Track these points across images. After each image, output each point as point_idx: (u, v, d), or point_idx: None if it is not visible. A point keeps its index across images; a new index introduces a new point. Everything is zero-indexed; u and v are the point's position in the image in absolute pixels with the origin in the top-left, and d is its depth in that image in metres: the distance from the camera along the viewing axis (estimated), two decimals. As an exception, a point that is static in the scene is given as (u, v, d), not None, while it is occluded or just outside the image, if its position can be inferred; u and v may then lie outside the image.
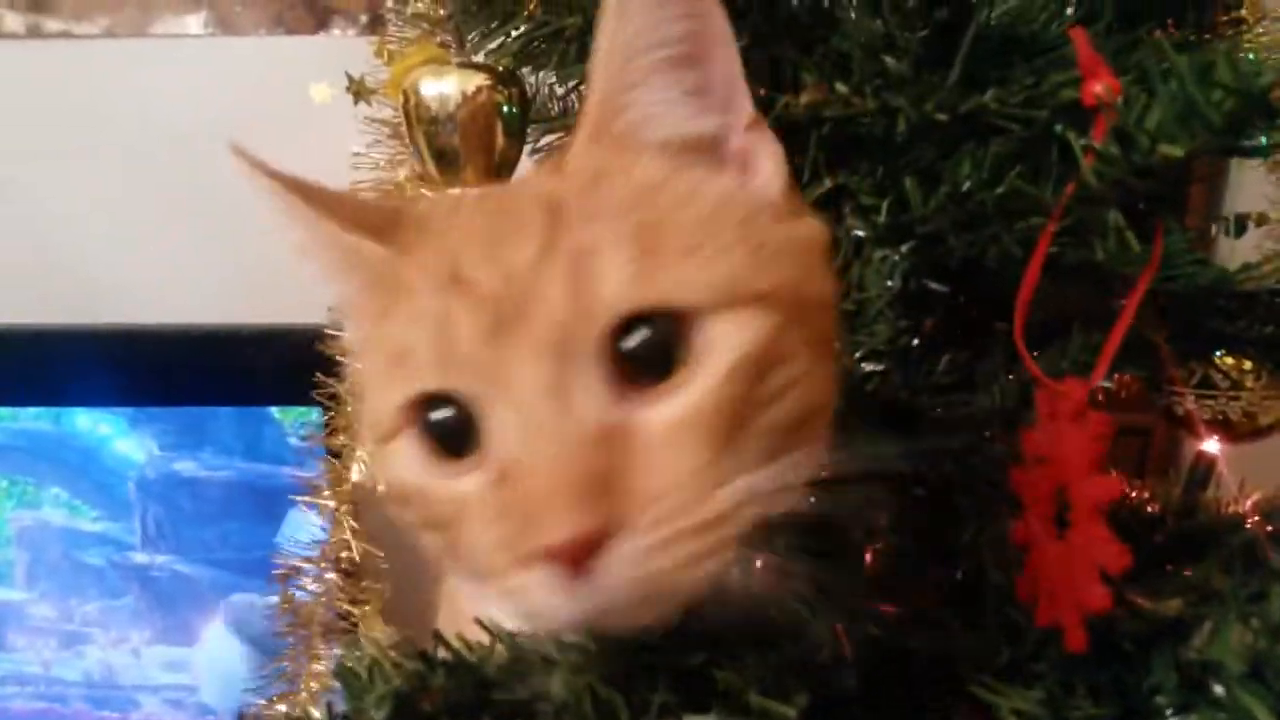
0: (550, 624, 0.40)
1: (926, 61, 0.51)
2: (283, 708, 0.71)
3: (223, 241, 1.70)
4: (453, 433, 0.42)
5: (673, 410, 0.40)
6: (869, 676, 0.44)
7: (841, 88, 0.49)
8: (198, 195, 1.71)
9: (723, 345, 0.40)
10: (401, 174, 0.63)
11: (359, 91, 0.65)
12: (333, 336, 0.87)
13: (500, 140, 0.52)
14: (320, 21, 1.74)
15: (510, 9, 0.50)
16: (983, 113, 0.47)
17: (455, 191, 0.54)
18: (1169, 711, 0.42)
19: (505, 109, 0.51)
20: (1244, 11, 0.65)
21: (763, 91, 0.53)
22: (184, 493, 1.50)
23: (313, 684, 0.64)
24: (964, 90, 0.48)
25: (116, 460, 1.49)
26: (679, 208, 0.43)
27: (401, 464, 0.44)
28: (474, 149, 0.51)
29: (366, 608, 0.62)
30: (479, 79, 0.52)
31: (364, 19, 1.73)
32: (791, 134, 0.58)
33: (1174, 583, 0.44)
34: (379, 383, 0.44)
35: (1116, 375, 0.63)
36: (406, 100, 0.52)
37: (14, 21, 1.70)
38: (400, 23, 0.64)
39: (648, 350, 0.40)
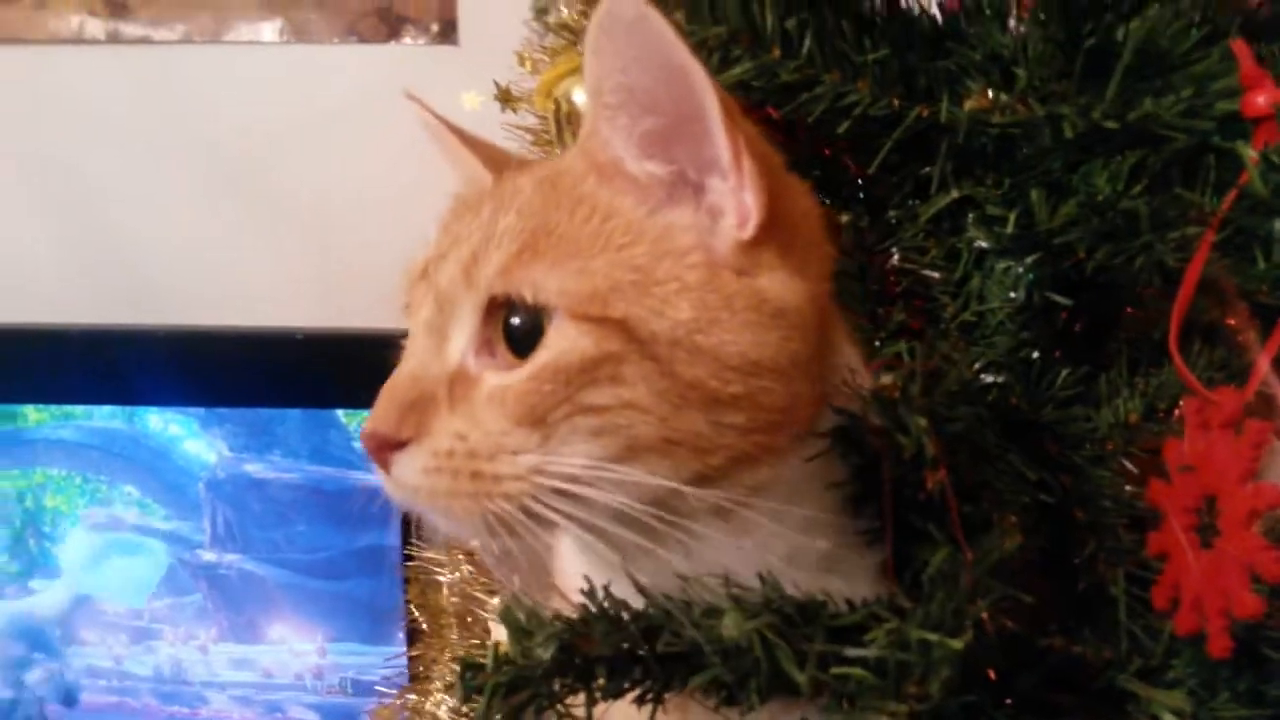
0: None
1: (1062, 74, 0.53)
2: (413, 697, 0.73)
3: (294, 245, 1.76)
4: None
5: (497, 381, 0.48)
6: (1002, 672, 0.46)
7: (1005, 96, 0.51)
8: (271, 199, 1.77)
9: (551, 346, 0.47)
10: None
11: (505, 99, 0.67)
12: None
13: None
14: (392, 30, 1.79)
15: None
16: (1149, 121, 0.48)
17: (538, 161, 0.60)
18: None
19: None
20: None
21: (896, 102, 0.55)
22: (253, 494, 1.54)
23: (448, 676, 0.66)
24: (1126, 100, 0.50)
25: (187, 460, 1.53)
26: (584, 223, 0.49)
27: None
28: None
29: (496, 599, 0.65)
30: None
31: (435, 28, 1.78)
32: (920, 144, 0.60)
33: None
34: None
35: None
36: (558, 108, 0.55)
37: (94, 27, 1.75)
38: (541, 33, 0.67)
39: (520, 332, 0.48)
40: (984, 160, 0.60)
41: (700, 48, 0.54)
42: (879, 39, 0.55)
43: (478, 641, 0.66)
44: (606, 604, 0.41)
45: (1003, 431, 0.58)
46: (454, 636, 0.70)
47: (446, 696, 0.68)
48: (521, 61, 0.69)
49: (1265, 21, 0.66)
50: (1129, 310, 0.62)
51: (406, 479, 0.48)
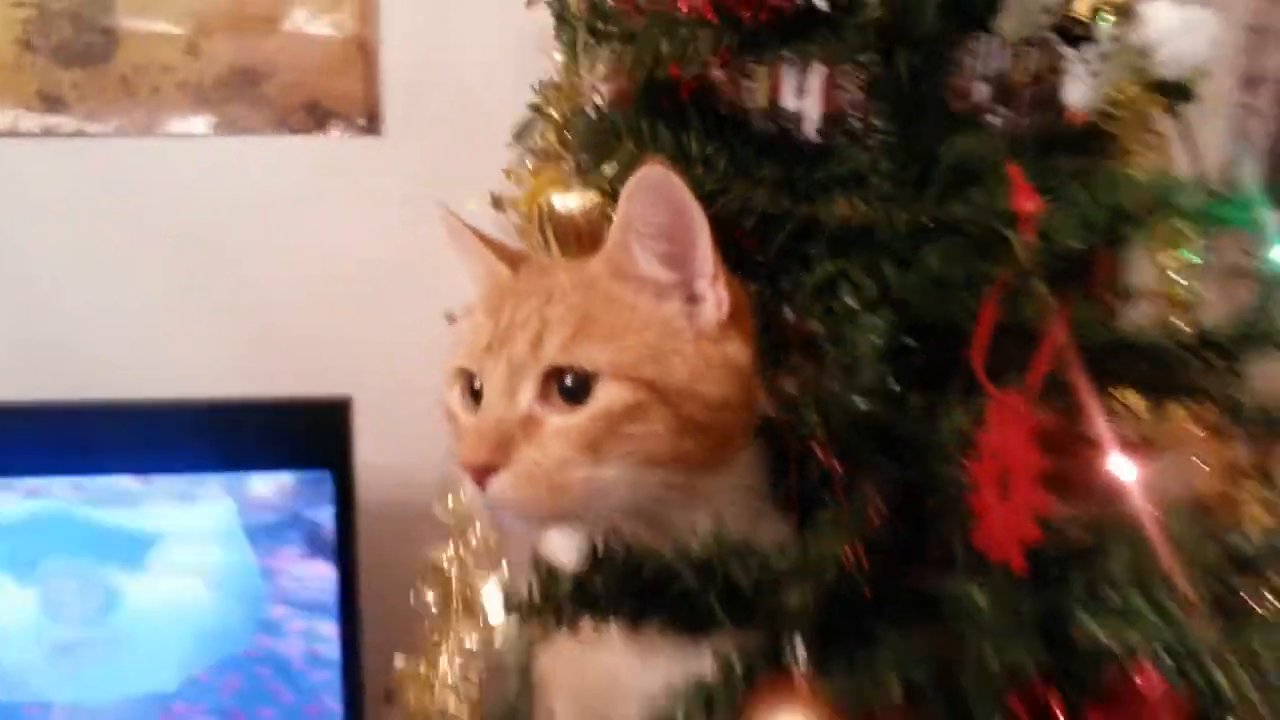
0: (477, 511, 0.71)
1: (913, 181, 0.77)
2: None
3: (223, 323, 1.90)
4: (477, 393, 0.73)
5: (560, 422, 0.69)
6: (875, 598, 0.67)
7: (861, 205, 0.75)
8: (203, 281, 1.90)
9: (602, 398, 0.68)
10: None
11: (498, 204, 0.88)
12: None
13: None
14: (319, 123, 1.94)
15: (613, 146, 0.76)
16: (954, 221, 0.73)
17: (564, 260, 0.82)
18: (1083, 615, 0.66)
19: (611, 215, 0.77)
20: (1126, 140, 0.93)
21: (785, 204, 0.79)
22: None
23: (457, 657, 0.84)
24: (940, 204, 0.74)
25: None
26: (620, 313, 0.71)
27: (451, 399, 0.76)
28: (589, 243, 0.76)
29: (488, 586, 0.84)
30: (595, 195, 0.78)
31: (360, 120, 1.93)
32: (805, 231, 0.83)
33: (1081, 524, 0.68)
34: (455, 349, 0.76)
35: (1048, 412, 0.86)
36: (541, 211, 0.77)
37: (30, 122, 1.86)
38: (526, 152, 0.89)
39: (572, 387, 0.69)
40: (851, 243, 0.83)
41: (642, 167, 0.76)
42: (773, 158, 0.78)
43: (476, 619, 0.86)
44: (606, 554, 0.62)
45: (873, 442, 0.80)
46: (461, 620, 0.88)
47: (456, 659, 0.87)
48: (509, 175, 0.90)
49: (1065, 136, 0.93)
50: (962, 349, 0.85)
51: (500, 493, 0.68)
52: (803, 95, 1.32)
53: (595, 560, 0.62)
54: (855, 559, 0.62)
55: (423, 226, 2.00)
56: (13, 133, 1.85)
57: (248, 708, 1.63)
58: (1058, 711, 0.63)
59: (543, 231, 0.76)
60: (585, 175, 0.81)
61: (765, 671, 0.66)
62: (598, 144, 0.79)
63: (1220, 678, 0.60)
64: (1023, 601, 0.65)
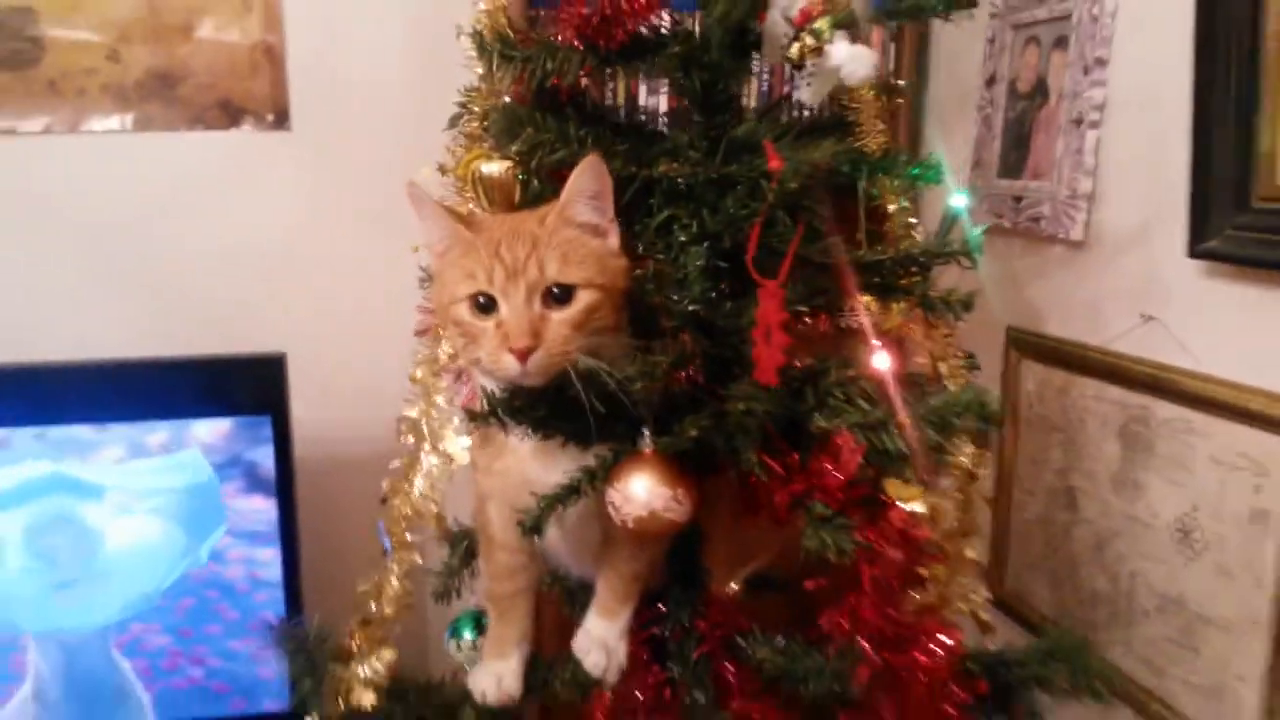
0: (511, 379, 1.11)
1: (709, 152, 1.25)
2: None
3: (146, 298, 2.25)
4: (483, 306, 1.13)
5: (561, 317, 1.11)
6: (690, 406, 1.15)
7: (676, 164, 1.22)
8: (124, 263, 2.24)
9: (582, 299, 1.12)
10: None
11: (443, 171, 1.32)
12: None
13: (517, 194, 1.23)
14: (232, 120, 2.29)
15: (518, 131, 1.22)
16: (732, 176, 1.21)
17: (496, 216, 1.25)
18: (818, 415, 1.14)
19: (520, 178, 1.23)
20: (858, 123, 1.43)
21: (633, 169, 1.25)
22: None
23: (420, 476, 1.29)
24: (725, 165, 1.22)
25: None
26: (578, 248, 1.15)
27: (461, 312, 1.14)
28: (506, 198, 1.22)
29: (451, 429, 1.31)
30: (508, 164, 1.23)
31: (270, 117, 2.30)
32: (647, 189, 1.29)
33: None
34: (455, 282, 1.14)
35: (812, 312, 1.34)
36: (473, 175, 1.21)
37: (-38, 122, 2.14)
38: (459, 135, 1.35)
39: (560, 296, 1.12)
40: (678, 195, 1.29)
41: (539, 146, 1.22)
42: (624, 138, 1.25)
43: (440, 459, 1.31)
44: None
45: (697, 329, 1.27)
46: (427, 452, 1.33)
47: (420, 482, 1.31)
48: (449, 152, 1.35)
49: (821, 124, 1.41)
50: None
51: (537, 363, 1.09)
52: (653, 94, 1.82)
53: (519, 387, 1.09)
54: (679, 379, 1.10)
55: (328, 211, 2.40)
56: (-54, 134, 2.13)
57: (196, 625, 2.00)
58: (794, 458, 1.11)
59: (474, 189, 1.21)
60: (501, 151, 1.26)
61: (626, 456, 1.13)
62: (508, 130, 1.25)
63: (885, 438, 1.10)
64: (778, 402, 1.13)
